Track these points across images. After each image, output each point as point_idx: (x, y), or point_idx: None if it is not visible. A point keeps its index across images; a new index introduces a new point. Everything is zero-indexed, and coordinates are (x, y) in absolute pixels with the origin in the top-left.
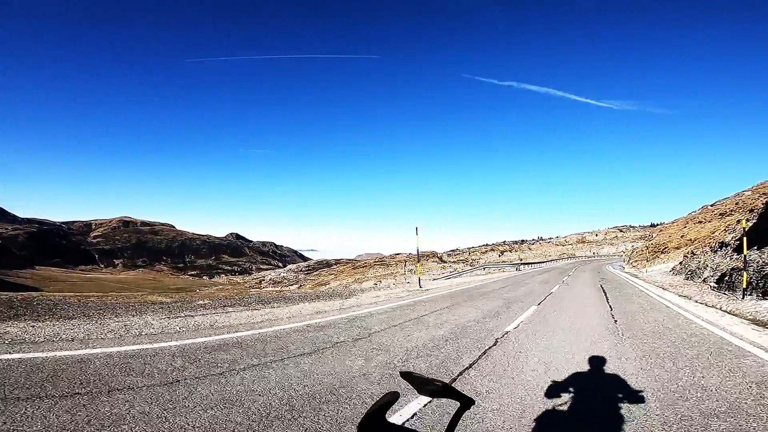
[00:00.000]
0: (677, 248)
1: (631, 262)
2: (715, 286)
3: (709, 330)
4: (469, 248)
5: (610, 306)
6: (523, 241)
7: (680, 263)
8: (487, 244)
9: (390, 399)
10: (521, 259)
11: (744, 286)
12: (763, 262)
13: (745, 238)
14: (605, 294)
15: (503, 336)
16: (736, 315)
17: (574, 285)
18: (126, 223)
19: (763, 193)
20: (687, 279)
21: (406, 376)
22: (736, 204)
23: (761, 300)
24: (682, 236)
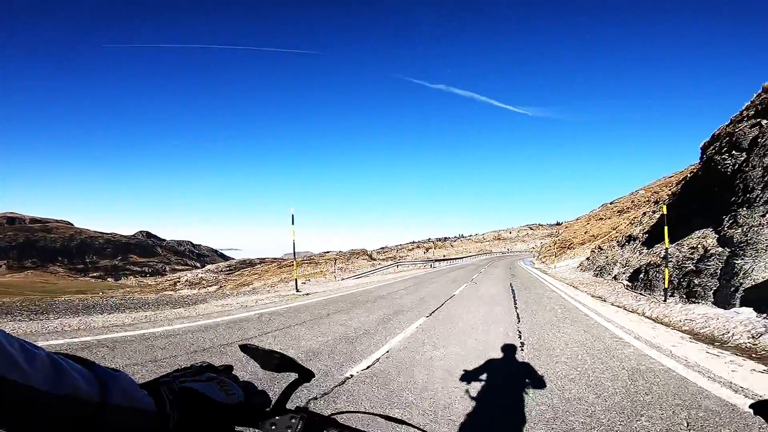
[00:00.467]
0: (582, 244)
1: (540, 257)
2: (629, 284)
3: (652, 358)
4: (397, 246)
5: (518, 315)
6: (446, 238)
7: (587, 258)
8: (414, 242)
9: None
10: (444, 256)
11: (665, 285)
12: (684, 256)
13: (666, 228)
14: (514, 297)
15: (337, 386)
16: (670, 326)
17: (482, 284)
18: (11, 220)
19: (665, 184)
20: (596, 276)
21: (246, 349)
22: (632, 202)
23: (688, 303)
24: (585, 232)
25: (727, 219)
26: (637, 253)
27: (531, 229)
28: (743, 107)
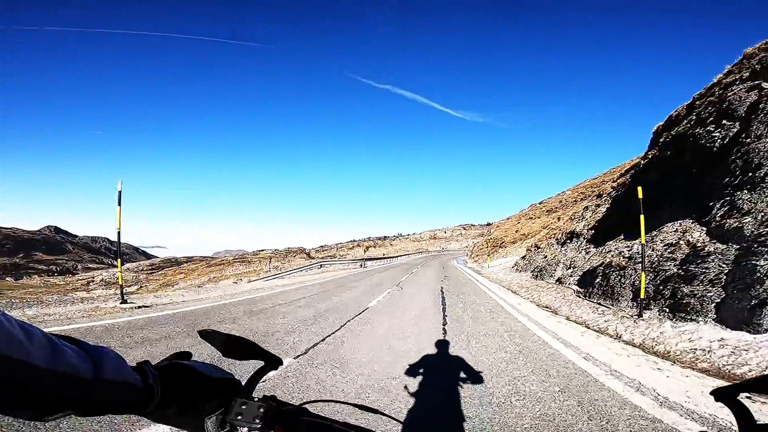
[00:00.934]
0: (513, 242)
1: (473, 256)
2: (581, 290)
3: None
4: (337, 244)
5: (447, 351)
6: (386, 237)
7: (523, 258)
8: (354, 240)
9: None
10: (384, 254)
11: (641, 295)
12: (660, 256)
13: (642, 217)
14: (443, 310)
15: None
16: (678, 362)
17: (409, 288)
18: None
19: (603, 181)
20: (536, 278)
21: (206, 334)
22: (560, 201)
23: (677, 321)
24: (516, 231)
25: (719, 206)
26: (583, 252)
27: (464, 229)
28: (725, 70)
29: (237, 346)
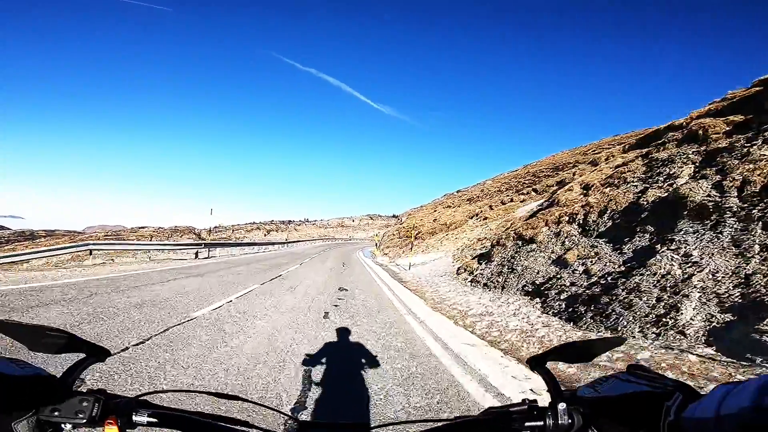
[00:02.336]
0: (432, 233)
1: (382, 249)
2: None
3: None
4: (233, 225)
5: None
6: (290, 221)
7: (482, 259)
8: (254, 222)
9: None
10: (287, 239)
11: None
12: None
13: None
14: None
15: None
16: None
17: (236, 330)
18: None
19: (518, 176)
20: (529, 296)
21: (4, 326)
22: (481, 191)
23: None
24: (434, 220)
25: None
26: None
27: (371, 218)
28: None
29: (47, 338)
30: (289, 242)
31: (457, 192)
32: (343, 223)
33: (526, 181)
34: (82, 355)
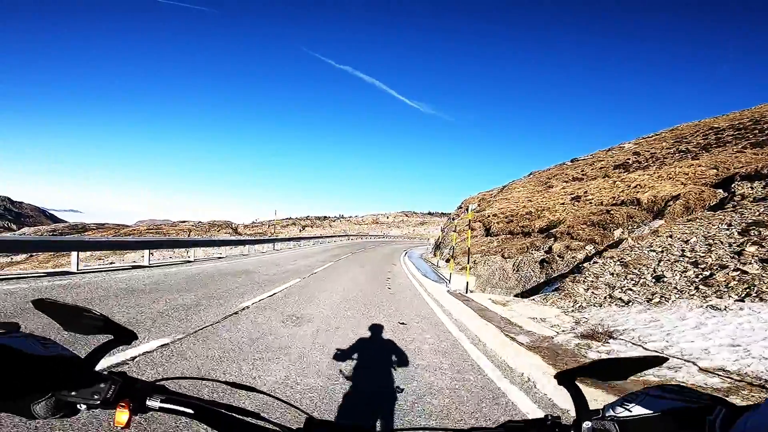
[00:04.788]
0: (573, 231)
1: (455, 262)
2: None
3: None
4: (269, 221)
5: None
6: (326, 217)
7: None
8: (290, 218)
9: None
10: (321, 234)
11: None
12: None
13: None
14: None
15: None
16: None
17: None
18: None
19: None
20: None
21: (41, 304)
22: (634, 154)
23: None
24: (573, 199)
25: None
26: None
27: (406, 216)
28: None
29: (81, 319)
30: (329, 236)
31: (571, 162)
32: (377, 219)
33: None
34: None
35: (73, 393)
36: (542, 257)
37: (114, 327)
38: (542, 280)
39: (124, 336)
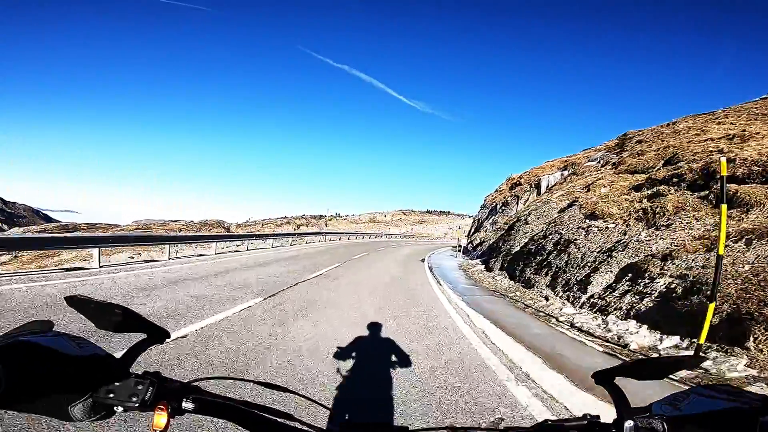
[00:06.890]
0: None
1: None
2: None
3: None
4: (263, 220)
5: None
6: (321, 216)
7: None
8: (285, 217)
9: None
10: (318, 231)
11: None
12: None
13: None
14: None
15: None
16: None
17: None
18: None
19: None
20: None
21: (73, 301)
22: None
23: None
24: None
25: None
26: None
27: (404, 214)
28: None
29: (113, 316)
30: (331, 233)
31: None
32: (374, 218)
33: None
34: (143, 336)
35: (110, 395)
36: None
37: (147, 325)
38: None
39: (158, 334)
